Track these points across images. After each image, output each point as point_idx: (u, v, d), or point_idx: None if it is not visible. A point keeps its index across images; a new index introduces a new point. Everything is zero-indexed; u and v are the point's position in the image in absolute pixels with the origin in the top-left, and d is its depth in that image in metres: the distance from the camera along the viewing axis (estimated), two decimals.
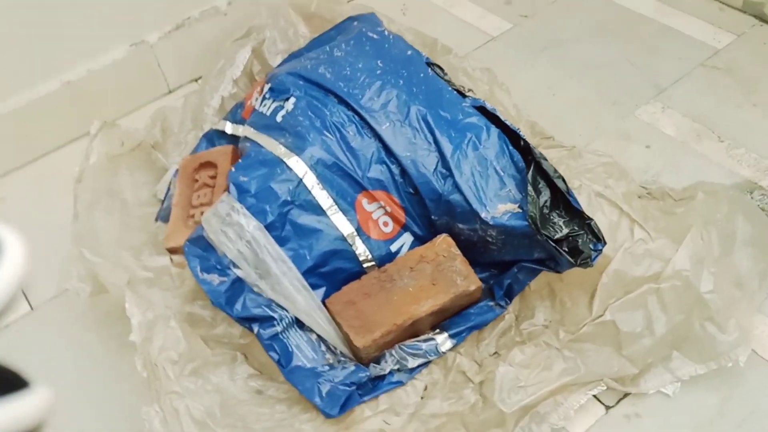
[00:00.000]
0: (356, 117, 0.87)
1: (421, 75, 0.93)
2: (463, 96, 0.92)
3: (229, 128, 1.04)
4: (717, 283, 0.84)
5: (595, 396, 0.84)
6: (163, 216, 1.03)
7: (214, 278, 0.82)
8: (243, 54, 1.16)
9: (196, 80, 1.35)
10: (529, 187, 0.80)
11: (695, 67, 1.25)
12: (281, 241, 0.82)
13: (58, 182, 1.17)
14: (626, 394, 0.85)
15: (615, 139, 1.15)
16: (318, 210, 0.84)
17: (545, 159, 0.83)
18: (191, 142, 1.15)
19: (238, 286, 0.82)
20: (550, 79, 1.27)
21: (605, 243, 0.80)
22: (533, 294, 0.89)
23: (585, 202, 0.87)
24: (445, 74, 0.97)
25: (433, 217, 0.86)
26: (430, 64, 0.96)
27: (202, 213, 0.92)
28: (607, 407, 0.85)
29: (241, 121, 1.01)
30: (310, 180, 0.84)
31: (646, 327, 0.83)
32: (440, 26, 1.41)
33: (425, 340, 0.82)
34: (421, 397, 0.80)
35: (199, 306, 0.86)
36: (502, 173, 0.84)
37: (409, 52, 0.96)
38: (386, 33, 1.00)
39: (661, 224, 0.90)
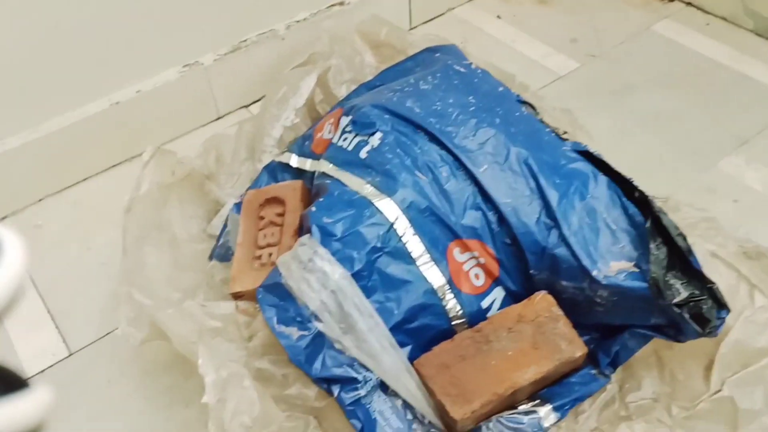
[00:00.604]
0: (450, 157, 0.80)
1: (516, 114, 0.85)
2: (562, 139, 0.84)
3: (294, 161, 0.96)
4: None
5: None
6: (218, 254, 0.95)
7: (294, 332, 0.73)
8: (308, 82, 1.08)
9: (246, 107, 1.28)
10: (651, 244, 0.72)
11: None
12: (367, 292, 0.74)
13: (100, 210, 1.09)
14: None
15: (699, 192, 1.08)
16: (408, 259, 0.76)
17: (665, 213, 0.75)
18: (245, 173, 1.07)
19: (319, 341, 0.73)
20: (622, 124, 1.21)
21: (729, 310, 0.72)
22: (638, 362, 0.80)
23: (701, 262, 0.79)
24: (538, 113, 0.90)
25: (532, 271, 0.78)
26: (522, 102, 0.89)
27: (270, 255, 0.84)
28: None
29: (310, 155, 0.93)
30: (402, 225, 0.76)
31: (766, 404, 0.75)
32: (504, 61, 1.34)
33: (526, 413, 0.73)
34: None
35: (269, 361, 0.77)
36: (614, 227, 0.76)
37: (501, 89, 0.89)
38: (473, 66, 0.93)
39: None
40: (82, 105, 1.10)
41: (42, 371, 0.91)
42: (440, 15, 1.48)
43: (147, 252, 0.95)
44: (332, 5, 1.30)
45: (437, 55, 0.98)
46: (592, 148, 0.83)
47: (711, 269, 0.79)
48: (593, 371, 0.77)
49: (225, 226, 0.97)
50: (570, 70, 1.33)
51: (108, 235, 1.04)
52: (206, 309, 0.80)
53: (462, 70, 0.92)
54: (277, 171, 0.98)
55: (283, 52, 1.23)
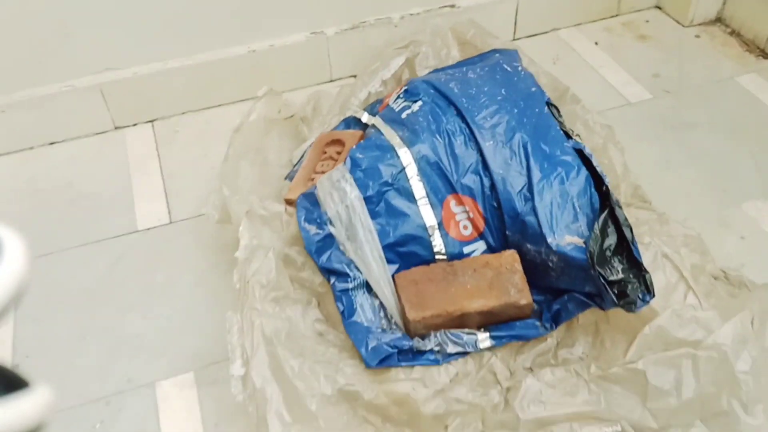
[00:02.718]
0: (467, 129, 1.00)
1: (536, 110, 1.03)
2: (569, 137, 1.01)
3: (365, 118, 1.20)
4: (755, 367, 0.87)
5: None
6: (291, 176, 1.21)
7: (312, 228, 0.98)
8: (398, 61, 1.32)
9: (354, 76, 1.54)
10: (596, 227, 0.89)
11: None
12: (373, 215, 0.96)
13: (222, 130, 1.39)
14: None
15: (712, 223, 1.19)
16: (411, 197, 0.97)
17: (620, 207, 0.91)
18: (334, 123, 1.33)
19: (329, 241, 0.97)
20: (670, 154, 1.33)
21: (653, 296, 0.87)
22: (579, 328, 0.96)
23: (650, 258, 0.94)
24: (560, 116, 1.07)
25: (507, 232, 0.97)
26: (549, 104, 1.07)
27: None
28: None
29: (375, 114, 1.17)
30: (412, 170, 0.98)
31: (675, 387, 0.88)
32: (584, 81, 1.50)
33: (468, 333, 0.92)
34: (450, 380, 0.90)
35: (295, 251, 1.02)
36: (578, 210, 0.93)
37: (534, 89, 1.08)
38: (519, 68, 1.12)
39: (721, 303, 0.94)
40: (227, 47, 1.41)
41: (148, 229, 1.22)
42: (544, 32, 1.65)
43: (242, 165, 1.24)
44: (444, 6, 1.52)
45: (497, 55, 1.18)
46: (587, 150, 0.99)
47: (657, 266, 0.94)
48: (537, 323, 0.95)
49: (302, 156, 1.23)
50: (641, 99, 1.46)
51: (221, 149, 1.33)
52: (263, 204, 1.07)
53: (508, 69, 1.11)
54: (351, 123, 1.23)
55: (393, 37, 1.47)
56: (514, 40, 1.64)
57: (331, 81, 1.53)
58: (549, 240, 0.91)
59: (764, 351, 0.90)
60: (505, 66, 1.12)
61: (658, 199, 1.19)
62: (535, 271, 0.96)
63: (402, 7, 1.49)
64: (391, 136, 1.02)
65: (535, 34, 1.65)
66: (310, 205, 1.00)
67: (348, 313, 0.95)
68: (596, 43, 1.62)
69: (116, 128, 1.42)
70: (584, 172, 0.96)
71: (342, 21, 1.47)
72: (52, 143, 1.39)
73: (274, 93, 1.33)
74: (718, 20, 1.66)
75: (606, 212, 0.91)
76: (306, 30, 1.45)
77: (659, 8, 1.72)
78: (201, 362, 1.01)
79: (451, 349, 0.91)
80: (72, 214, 1.25)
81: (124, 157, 1.37)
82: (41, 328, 1.06)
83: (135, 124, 1.43)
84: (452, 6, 1.53)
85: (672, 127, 1.39)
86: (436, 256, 0.98)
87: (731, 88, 1.47)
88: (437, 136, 1.00)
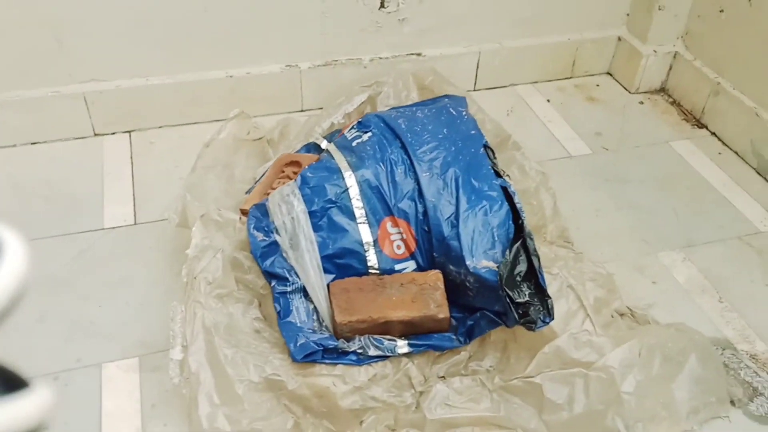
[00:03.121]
0: (408, 161, 1.12)
1: (472, 150, 1.16)
2: (498, 176, 1.14)
3: (323, 144, 1.32)
4: (639, 389, 0.98)
5: None
6: (250, 191, 1.32)
7: (260, 235, 1.09)
8: (360, 97, 1.45)
9: (321, 108, 1.67)
10: (508, 254, 1.01)
11: (732, 238, 1.39)
12: (316, 228, 1.08)
13: (196, 145, 1.49)
14: None
15: (629, 267, 1.31)
16: (351, 216, 1.09)
17: (532, 239, 1.03)
18: (297, 147, 1.45)
19: (274, 248, 1.08)
20: (600, 204, 1.46)
21: (552, 319, 0.98)
22: (490, 344, 1.07)
23: (556, 287, 1.06)
24: (494, 157, 1.20)
25: (434, 254, 1.08)
26: (486, 146, 1.19)
27: None
28: None
29: (332, 141, 1.29)
30: (354, 192, 1.09)
31: (567, 402, 0.99)
32: (532, 133, 1.64)
33: (389, 340, 1.02)
34: (369, 380, 1.00)
35: (243, 255, 1.12)
36: (496, 239, 1.05)
37: (473, 132, 1.20)
38: (464, 113, 1.25)
39: (618, 333, 1.06)
40: (208, 70, 1.54)
41: (113, 227, 1.32)
42: (503, 86, 1.80)
43: (209, 177, 1.35)
44: (411, 53, 1.67)
45: (446, 100, 1.31)
46: (512, 188, 1.12)
47: (561, 295, 1.06)
48: (453, 336, 1.05)
49: (263, 174, 1.35)
50: (581, 153, 1.60)
51: (191, 162, 1.44)
52: (220, 212, 1.17)
53: (453, 112, 1.24)
54: (311, 148, 1.35)
55: (362, 77, 1.61)
56: (474, 90, 1.78)
57: (302, 111, 1.66)
58: (467, 262, 1.03)
59: (649, 378, 1.01)
60: (451, 110, 1.25)
61: (583, 242, 1.32)
62: (455, 291, 1.07)
63: (372, 51, 1.64)
64: (340, 160, 1.14)
65: (494, 87, 1.80)
66: (260, 214, 1.11)
67: (284, 313, 1.05)
68: (548, 101, 1.77)
69: (96, 135, 1.53)
70: (506, 206, 1.08)
71: (316, 57, 1.60)
72: (34, 143, 1.50)
73: (244, 115, 1.45)
74: (662, 90, 1.82)
75: (519, 242, 1.03)
76: (282, 62, 1.58)
77: (610, 74, 1.88)
78: (147, 350, 1.10)
79: (372, 352, 1.01)
80: (45, 208, 1.35)
81: (100, 162, 1.47)
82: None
83: (114, 133, 1.54)
84: (419, 54, 1.67)
85: (606, 180, 1.52)
86: (370, 270, 1.09)
87: (665, 151, 1.62)
88: (380, 164, 1.12)
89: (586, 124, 1.69)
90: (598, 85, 1.85)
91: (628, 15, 1.79)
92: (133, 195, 1.40)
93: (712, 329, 1.20)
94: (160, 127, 1.58)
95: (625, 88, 1.83)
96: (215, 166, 1.37)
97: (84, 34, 1.40)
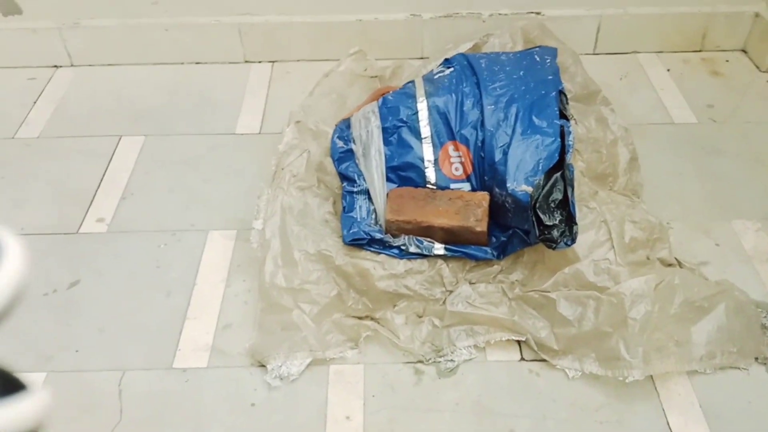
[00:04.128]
0: (478, 94, 1.25)
1: (543, 92, 1.26)
2: (564, 118, 1.23)
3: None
4: (647, 318, 1.04)
5: (519, 345, 1.12)
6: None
7: (340, 143, 1.28)
8: (466, 45, 1.59)
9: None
10: (542, 179, 1.11)
11: None
12: (386, 142, 1.25)
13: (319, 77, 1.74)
14: (543, 359, 1.11)
15: (693, 227, 1.33)
16: (418, 135, 1.25)
17: (572, 173, 1.12)
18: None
19: (349, 155, 1.27)
20: (685, 169, 1.47)
21: (574, 242, 1.07)
22: (522, 262, 1.18)
23: (590, 219, 1.14)
24: (567, 103, 1.28)
25: (485, 177, 1.21)
26: (561, 92, 1.28)
27: None
28: (522, 358, 1.11)
29: None
30: (423, 115, 1.25)
31: (577, 320, 1.08)
32: (639, 97, 1.67)
33: (428, 241, 1.18)
34: (405, 271, 1.17)
35: (329, 161, 1.33)
36: (540, 168, 1.15)
37: (550, 77, 1.30)
38: (548, 61, 1.35)
39: (643, 269, 1.12)
40: (341, 14, 1.75)
41: (241, 134, 1.59)
42: (624, 53, 1.83)
43: (323, 102, 1.57)
44: (530, 12, 1.76)
45: (537, 49, 1.41)
46: (570, 129, 1.20)
47: (593, 227, 1.14)
48: (488, 249, 1.18)
49: None
50: (685, 122, 1.60)
51: (316, 89, 1.67)
52: (317, 123, 1.39)
53: (537, 59, 1.34)
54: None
55: (480, 30, 1.73)
56: (593, 53, 1.83)
57: (422, 58, 1.82)
58: (508, 185, 1.15)
59: (664, 313, 1.07)
60: (536, 57, 1.35)
61: (656, 199, 1.37)
62: (498, 211, 1.19)
63: (493, 7, 1.75)
64: (419, 88, 1.30)
65: (615, 53, 1.83)
66: (345, 127, 1.31)
67: (348, 208, 1.24)
68: (668, 70, 1.77)
69: (246, 62, 1.82)
70: (558, 142, 1.17)
71: (438, 9, 1.75)
72: (198, 63, 1.82)
73: (362, 53, 1.65)
74: None
75: (559, 173, 1.13)
76: (406, 11, 1.76)
77: (744, 52, 1.82)
78: (244, 225, 1.35)
79: (413, 249, 1.17)
80: (193, 112, 1.66)
81: (245, 83, 1.76)
82: (150, 176, 1.46)
83: (260, 61, 1.82)
84: (538, 13, 1.76)
85: (701, 148, 1.52)
86: (428, 185, 1.25)
87: None
88: (452, 94, 1.26)
89: (701, 96, 1.68)
90: (727, 61, 1.80)
91: None
92: (264, 111, 1.67)
93: (763, 293, 1.20)
94: (298, 60, 1.83)
95: (756, 66, 1.77)
96: (330, 94, 1.59)
97: None
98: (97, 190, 1.43)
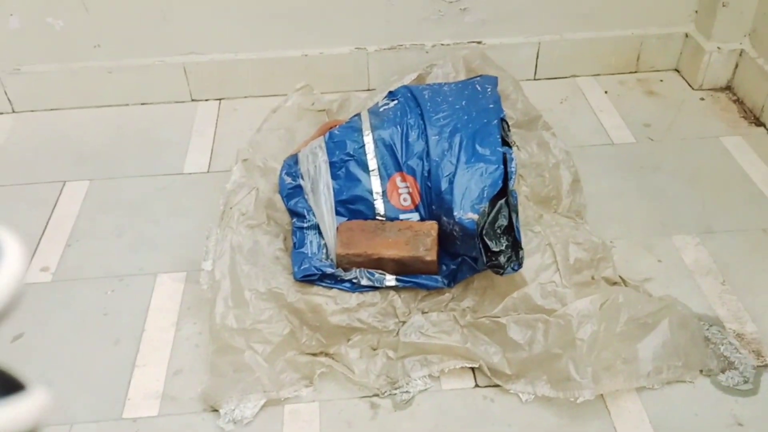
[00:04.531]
0: (422, 125, 1.27)
1: (485, 120, 1.29)
2: (506, 145, 1.26)
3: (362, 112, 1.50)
4: (594, 338, 1.07)
5: (473, 372, 1.13)
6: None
7: (288, 179, 1.29)
8: (411, 76, 1.61)
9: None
10: (487, 207, 1.13)
11: (755, 229, 1.39)
12: (334, 176, 1.26)
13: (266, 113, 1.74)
14: (497, 384, 1.12)
15: (636, 244, 1.37)
16: (366, 168, 1.26)
17: (515, 199, 1.15)
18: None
19: (298, 191, 1.28)
20: (626, 188, 1.51)
21: (520, 267, 1.09)
22: (472, 289, 1.20)
23: (535, 243, 1.17)
24: (509, 130, 1.31)
25: (433, 207, 1.23)
26: (502, 119, 1.31)
27: None
28: (477, 384, 1.12)
29: None
30: (370, 149, 1.26)
31: (528, 344, 1.10)
32: (580, 120, 1.72)
33: (380, 273, 1.19)
34: (358, 304, 1.17)
35: (278, 198, 1.33)
36: (485, 196, 1.17)
37: (491, 106, 1.33)
38: (489, 90, 1.38)
39: (587, 289, 1.14)
40: (286, 49, 1.77)
41: (190, 173, 1.58)
42: (563, 77, 1.89)
43: (271, 137, 1.57)
44: (472, 41, 1.81)
45: (478, 78, 1.44)
46: (512, 156, 1.23)
47: (538, 250, 1.16)
48: (438, 278, 1.19)
49: None
50: (624, 142, 1.65)
51: (263, 125, 1.68)
52: (265, 161, 1.39)
53: (478, 88, 1.37)
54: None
55: (424, 61, 1.77)
56: (534, 79, 1.88)
57: (368, 90, 1.85)
58: (455, 213, 1.16)
59: (610, 332, 1.09)
60: (477, 86, 1.39)
61: (599, 220, 1.40)
62: (447, 240, 1.21)
63: (434, 38, 1.79)
64: (365, 121, 1.32)
65: (555, 77, 1.88)
66: (293, 162, 1.32)
67: (298, 244, 1.24)
68: (606, 92, 1.83)
69: (192, 100, 1.82)
70: (501, 170, 1.20)
71: (382, 41, 1.78)
72: (143, 103, 1.81)
73: (309, 88, 1.66)
74: (728, 88, 1.82)
75: (504, 200, 1.15)
76: (351, 45, 1.78)
77: (677, 71, 1.90)
78: (194, 267, 1.33)
79: (364, 282, 1.18)
80: (139, 152, 1.64)
81: (192, 122, 1.75)
82: (95, 221, 1.44)
83: (207, 99, 1.82)
84: (479, 42, 1.81)
85: (640, 167, 1.57)
86: (377, 217, 1.26)
87: (711, 145, 1.63)
88: (397, 126, 1.28)
89: (638, 116, 1.74)
90: (661, 81, 1.87)
91: (696, 12, 1.81)
92: (212, 149, 1.66)
93: (704, 306, 1.24)
94: (245, 97, 1.84)
95: (689, 85, 1.85)
96: (278, 129, 1.59)
97: (183, 12, 1.69)
98: (41, 238, 1.41)
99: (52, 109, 1.79)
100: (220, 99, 1.83)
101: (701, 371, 1.13)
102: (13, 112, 1.79)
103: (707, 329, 1.20)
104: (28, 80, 1.75)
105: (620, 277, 1.26)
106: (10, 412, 0.25)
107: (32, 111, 1.79)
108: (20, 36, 1.69)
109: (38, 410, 0.27)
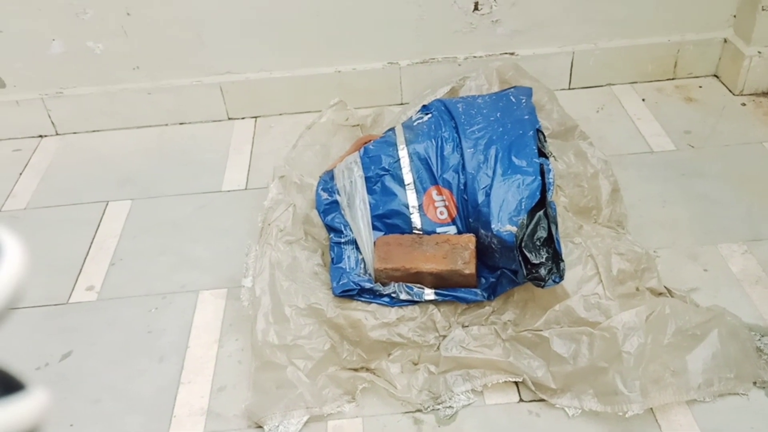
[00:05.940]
0: (458, 138, 1.27)
1: (520, 132, 1.28)
2: (544, 156, 1.24)
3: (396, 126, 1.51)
4: (641, 351, 1.04)
5: (517, 387, 1.11)
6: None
7: (325, 195, 1.30)
8: (444, 89, 1.62)
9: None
10: (526, 219, 1.12)
11: None
12: (370, 191, 1.26)
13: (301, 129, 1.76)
14: (542, 399, 1.10)
15: (681, 254, 1.34)
16: (401, 182, 1.26)
17: (554, 210, 1.13)
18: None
19: (335, 206, 1.28)
20: (670, 196, 1.48)
21: (562, 279, 1.08)
22: (513, 302, 1.18)
23: (576, 255, 1.15)
24: (545, 141, 1.30)
25: (470, 219, 1.22)
26: (538, 130, 1.30)
27: None
28: (521, 399, 1.11)
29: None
30: (405, 163, 1.26)
31: (572, 357, 1.08)
32: (617, 128, 1.70)
33: (418, 287, 1.18)
34: (397, 318, 1.16)
35: (315, 213, 1.34)
36: (522, 207, 1.16)
37: (527, 117, 1.32)
38: (523, 101, 1.37)
39: (632, 301, 1.12)
40: (319, 66, 1.79)
41: (228, 191, 1.60)
42: (599, 86, 1.86)
43: (307, 154, 1.59)
44: (504, 53, 1.80)
45: (512, 90, 1.43)
46: (549, 167, 1.22)
47: (580, 262, 1.14)
48: (478, 291, 1.18)
49: None
50: (664, 149, 1.63)
51: (299, 141, 1.70)
52: (302, 177, 1.40)
53: (512, 99, 1.37)
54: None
55: (456, 73, 1.76)
56: (569, 89, 1.86)
57: (401, 104, 1.85)
58: (493, 226, 1.16)
59: (657, 344, 1.07)
60: (512, 97, 1.38)
61: (642, 229, 1.38)
62: (485, 252, 1.20)
63: (467, 50, 1.79)
64: (399, 135, 1.32)
65: (590, 86, 1.86)
66: (329, 178, 1.32)
67: (336, 260, 1.24)
68: (643, 100, 1.80)
69: (229, 119, 1.85)
70: (538, 181, 1.19)
71: (414, 55, 1.79)
72: (181, 123, 1.84)
73: (343, 104, 1.67)
74: None
75: (542, 211, 1.14)
76: (384, 60, 1.79)
77: (717, 77, 1.86)
78: (235, 283, 1.35)
79: (403, 296, 1.18)
80: (179, 172, 1.67)
81: (229, 140, 1.78)
82: (138, 240, 1.47)
83: (243, 118, 1.85)
84: (512, 53, 1.80)
85: (682, 174, 1.54)
86: (414, 230, 1.25)
87: (755, 150, 1.59)
88: (432, 140, 1.28)
89: (677, 123, 1.71)
90: (700, 87, 1.84)
91: (734, 16, 1.78)
92: (249, 167, 1.68)
93: (755, 316, 1.21)
94: (280, 114, 1.85)
95: (729, 90, 1.81)
96: (314, 145, 1.61)
97: (220, 34, 1.72)
98: (85, 258, 1.44)
99: (93, 131, 1.83)
100: (256, 117, 1.85)
101: (755, 383, 1.10)
102: (57, 134, 1.83)
103: (759, 339, 1.16)
104: (71, 103, 1.79)
105: (665, 287, 1.23)
106: (10, 412, 0.26)
107: (75, 133, 1.83)
108: (62, 60, 1.74)
109: (38, 410, 0.27)
